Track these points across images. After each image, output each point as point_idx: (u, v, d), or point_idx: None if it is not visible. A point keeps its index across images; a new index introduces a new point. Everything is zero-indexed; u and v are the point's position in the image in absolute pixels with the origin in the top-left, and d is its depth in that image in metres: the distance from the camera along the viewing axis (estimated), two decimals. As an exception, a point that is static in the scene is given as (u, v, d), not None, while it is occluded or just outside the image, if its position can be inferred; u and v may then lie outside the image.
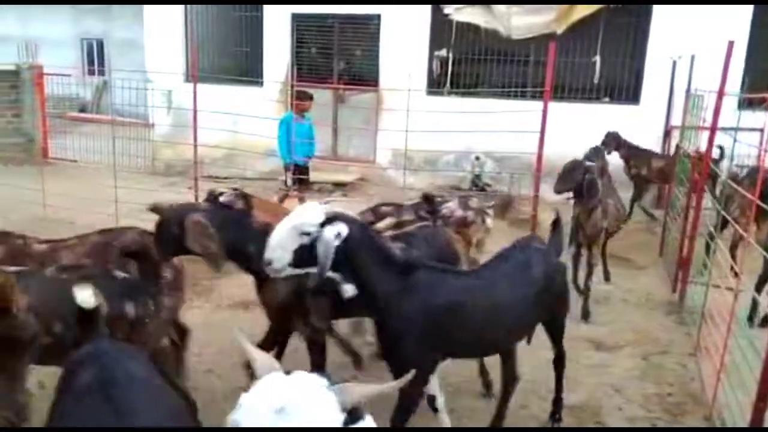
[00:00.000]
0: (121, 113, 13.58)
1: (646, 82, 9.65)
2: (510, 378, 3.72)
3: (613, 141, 8.60)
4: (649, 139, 9.20)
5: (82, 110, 17.47)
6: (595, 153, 6.57)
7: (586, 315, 5.48)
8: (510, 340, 3.51)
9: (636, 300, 6.05)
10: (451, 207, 4.97)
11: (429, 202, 4.78)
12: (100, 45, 20.16)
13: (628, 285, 6.44)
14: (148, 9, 11.91)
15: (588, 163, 5.46)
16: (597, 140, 9.13)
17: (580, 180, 5.36)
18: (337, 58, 11.20)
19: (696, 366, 4.59)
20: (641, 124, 9.40)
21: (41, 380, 3.61)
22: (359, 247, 2.93)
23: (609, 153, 8.10)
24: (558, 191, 5.59)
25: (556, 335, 3.76)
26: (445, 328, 3.06)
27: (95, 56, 20.29)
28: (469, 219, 4.95)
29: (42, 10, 20.22)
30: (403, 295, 3.00)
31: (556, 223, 3.80)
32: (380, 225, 4.25)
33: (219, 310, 5.38)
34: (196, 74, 7.58)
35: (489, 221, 5.12)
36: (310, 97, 8.34)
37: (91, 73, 19.82)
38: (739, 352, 3.76)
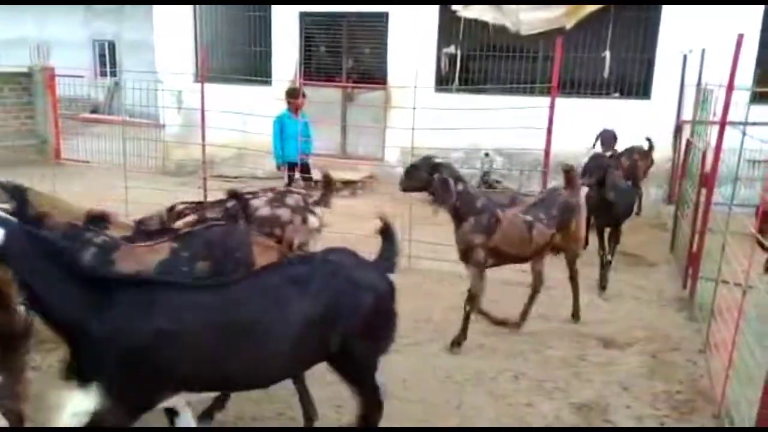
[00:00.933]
0: (132, 114, 13.71)
1: (657, 76, 9.56)
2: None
3: (613, 140, 8.45)
4: (659, 135, 9.11)
5: (95, 111, 17.63)
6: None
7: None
8: (280, 373, 2.91)
9: (647, 297, 6.00)
10: (256, 204, 4.45)
11: (237, 199, 4.39)
12: (112, 46, 20.33)
13: (639, 281, 6.39)
14: (157, 10, 11.97)
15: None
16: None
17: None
18: (346, 56, 11.20)
19: (705, 363, 4.55)
20: (652, 119, 9.32)
21: (37, 364, 3.66)
22: (22, 257, 2.40)
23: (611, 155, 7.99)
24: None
25: (353, 379, 2.98)
26: (155, 359, 2.52)
27: (107, 57, 20.47)
28: (283, 218, 4.43)
29: (56, 12, 20.42)
30: (92, 318, 2.45)
31: (386, 232, 3.19)
32: (179, 223, 3.97)
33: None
34: (204, 74, 7.60)
35: (314, 221, 4.63)
36: (303, 95, 8.36)
37: (103, 74, 20.00)
38: (748, 349, 3.72)
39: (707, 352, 4.66)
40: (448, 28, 10.39)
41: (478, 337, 4.92)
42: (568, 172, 5.19)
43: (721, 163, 5.51)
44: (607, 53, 9.81)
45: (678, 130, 9.38)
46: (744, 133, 4.36)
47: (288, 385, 4.07)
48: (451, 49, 10.49)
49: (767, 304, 3.64)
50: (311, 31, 11.20)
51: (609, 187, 6.10)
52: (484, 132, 8.79)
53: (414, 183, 4.83)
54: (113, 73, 19.75)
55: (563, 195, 5.06)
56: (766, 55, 8.79)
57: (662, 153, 9.33)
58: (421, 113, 7.14)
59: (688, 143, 7.38)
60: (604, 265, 6.21)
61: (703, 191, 5.79)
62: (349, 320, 2.80)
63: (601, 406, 3.99)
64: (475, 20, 10.12)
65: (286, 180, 8.03)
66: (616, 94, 10.00)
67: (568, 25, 9.58)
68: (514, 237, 4.72)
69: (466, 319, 4.78)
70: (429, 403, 3.95)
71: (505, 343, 4.83)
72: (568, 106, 8.86)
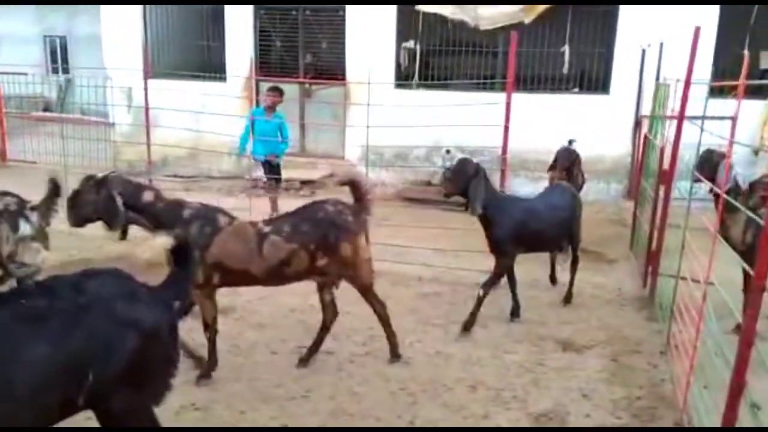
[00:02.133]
0: (86, 112, 13.19)
1: (616, 71, 9.51)
2: None
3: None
4: (619, 130, 9.07)
5: (47, 109, 16.98)
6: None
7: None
8: None
9: (606, 296, 5.90)
10: None
11: None
12: (64, 42, 19.61)
13: (598, 279, 6.29)
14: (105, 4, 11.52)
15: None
16: (567, 131, 9.01)
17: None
18: (303, 51, 10.92)
19: (667, 366, 4.44)
20: (611, 114, 9.28)
21: None
22: None
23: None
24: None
25: None
26: None
27: (59, 54, 19.74)
28: None
29: (4, 6, 19.62)
30: None
31: (179, 251, 2.70)
32: None
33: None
34: (148, 69, 7.25)
35: (26, 228, 4.16)
36: (281, 93, 8.14)
37: (55, 71, 19.28)
38: (710, 350, 3.60)
39: (668, 354, 4.55)
40: (407, 23, 10.20)
41: (434, 344, 4.74)
42: (353, 183, 4.29)
43: (680, 159, 5.43)
44: (567, 48, 9.74)
45: (637, 125, 9.36)
46: (702, 129, 4.25)
47: (288, 386, 3.88)
48: (411, 44, 10.30)
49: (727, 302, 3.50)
50: (266, 25, 10.88)
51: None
52: (444, 128, 8.63)
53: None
54: (65, 70, 19.07)
55: (327, 210, 4.13)
56: (722, 49, 8.79)
57: (621, 149, 9.30)
58: (382, 110, 6.94)
59: (646, 138, 7.32)
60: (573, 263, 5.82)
61: (662, 187, 5.70)
62: (104, 367, 2.30)
63: (560, 416, 3.83)
64: (434, 15, 9.94)
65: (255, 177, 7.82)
66: (575, 89, 9.94)
67: (527, 20, 9.47)
68: (236, 251, 3.91)
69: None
70: (380, 418, 3.74)
71: (462, 350, 4.65)
72: (527, 101, 8.76)
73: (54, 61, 19.80)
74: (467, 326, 4.90)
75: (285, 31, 10.85)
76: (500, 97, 6.67)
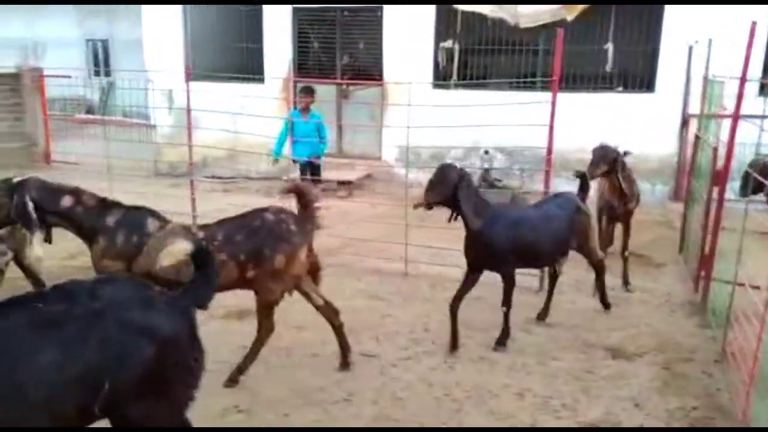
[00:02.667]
0: (127, 114, 13.43)
1: (661, 69, 9.24)
2: None
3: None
4: (665, 129, 8.81)
5: (89, 112, 17.36)
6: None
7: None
8: None
9: (655, 301, 5.70)
10: None
11: None
12: (106, 45, 20.04)
13: (646, 284, 6.09)
14: (147, 7, 11.68)
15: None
16: (611, 131, 8.79)
17: None
18: (340, 52, 10.90)
19: (723, 375, 4.26)
20: (657, 113, 9.02)
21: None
22: None
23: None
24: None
25: None
26: None
27: (101, 57, 20.18)
28: None
29: (48, 11, 20.14)
30: None
31: (200, 256, 2.68)
32: None
33: (211, 320, 5.11)
34: (189, 71, 7.30)
35: None
36: (312, 92, 8.14)
37: (97, 74, 19.70)
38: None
39: (724, 363, 4.36)
40: (445, 22, 10.09)
41: (478, 350, 4.63)
42: (298, 191, 4.09)
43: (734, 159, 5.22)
44: (610, 45, 9.50)
45: (684, 124, 9.07)
46: (761, 128, 4.06)
47: (330, 389, 3.84)
48: (449, 44, 10.19)
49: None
50: (304, 26, 10.89)
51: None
52: (483, 129, 8.49)
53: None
54: (107, 73, 19.48)
55: (266, 219, 3.91)
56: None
57: (668, 148, 9.03)
58: (419, 110, 6.85)
59: (696, 138, 7.07)
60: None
61: (716, 188, 5.48)
62: (119, 375, 2.25)
63: (612, 425, 3.70)
64: (473, 13, 9.80)
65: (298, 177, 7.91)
66: (620, 88, 9.69)
67: (569, 17, 9.25)
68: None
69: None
70: (424, 424, 3.66)
71: (507, 356, 4.53)
72: (571, 100, 8.57)
73: (96, 64, 20.25)
74: (502, 341, 4.65)
75: (323, 32, 10.84)
76: (542, 96, 6.52)
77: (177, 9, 11.30)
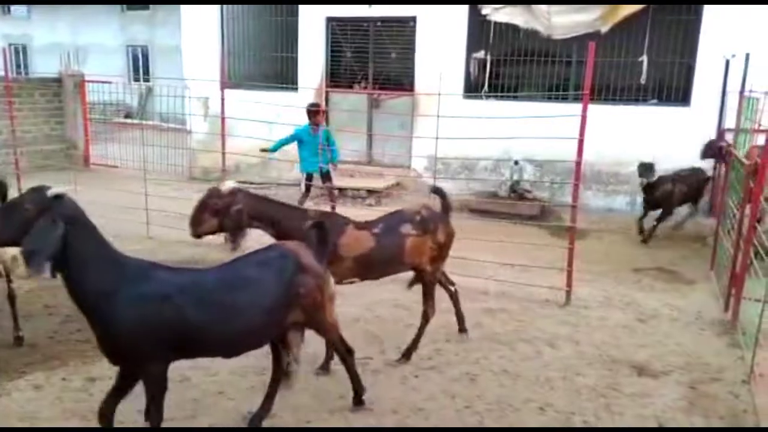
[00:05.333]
0: (165, 120, 13.73)
1: (697, 82, 9.10)
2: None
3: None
4: (700, 143, 8.67)
5: (128, 116, 17.79)
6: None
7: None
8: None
9: (685, 318, 5.61)
10: None
11: None
12: (145, 52, 20.55)
13: (676, 301, 6.00)
14: (186, 15, 11.97)
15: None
16: (645, 144, 8.69)
17: None
18: (372, 62, 10.99)
19: (750, 396, 4.18)
20: (692, 126, 8.88)
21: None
22: None
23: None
24: None
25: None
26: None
27: (140, 63, 20.70)
28: None
29: (91, 18, 20.75)
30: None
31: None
32: None
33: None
34: (224, 80, 7.47)
35: None
36: (316, 107, 8.36)
37: (137, 80, 20.20)
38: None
39: (751, 384, 4.29)
40: (478, 33, 10.10)
41: (500, 362, 4.63)
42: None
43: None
44: (645, 58, 9.39)
45: (719, 139, 8.91)
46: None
47: (310, 391, 3.88)
48: (481, 54, 10.20)
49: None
50: (337, 36, 11.03)
51: None
52: (514, 140, 8.48)
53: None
54: (146, 79, 19.96)
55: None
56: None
57: (703, 163, 8.88)
58: (450, 120, 6.88)
59: (730, 153, 6.95)
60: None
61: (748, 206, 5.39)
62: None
63: (633, 443, 3.67)
64: (506, 24, 9.81)
65: (303, 189, 8.15)
66: (654, 101, 9.57)
67: (603, 29, 9.20)
68: None
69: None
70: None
71: (531, 370, 4.52)
72: (603, 113, 8.51)
73: (136, 70, 20.79)
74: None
75: (356, 42, 10.96)
76: (574, 108, 6.49)
77: (215, 17, 11.55)
